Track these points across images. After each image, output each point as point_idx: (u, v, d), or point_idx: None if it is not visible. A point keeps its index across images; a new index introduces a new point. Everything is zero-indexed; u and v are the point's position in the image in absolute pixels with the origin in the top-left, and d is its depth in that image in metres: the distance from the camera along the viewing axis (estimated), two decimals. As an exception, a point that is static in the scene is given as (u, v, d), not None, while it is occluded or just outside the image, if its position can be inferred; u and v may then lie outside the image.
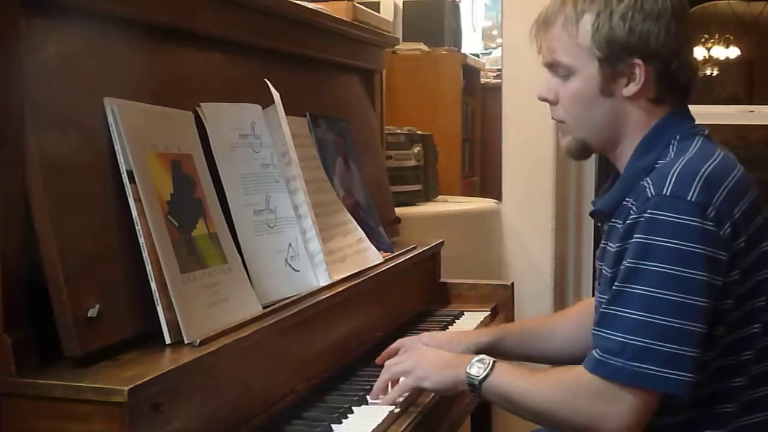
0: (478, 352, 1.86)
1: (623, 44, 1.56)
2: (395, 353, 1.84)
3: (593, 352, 1.48)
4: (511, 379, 1.56)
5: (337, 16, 2.36)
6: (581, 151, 1.69)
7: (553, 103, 1.66)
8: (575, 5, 1.59)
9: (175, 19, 1.64)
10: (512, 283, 2.57)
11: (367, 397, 1.66)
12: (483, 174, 4.82)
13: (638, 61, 1.56)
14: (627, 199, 1.55)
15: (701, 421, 1.53)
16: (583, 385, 1.48)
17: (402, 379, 1.65)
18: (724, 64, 11.23)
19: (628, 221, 1.50)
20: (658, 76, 1.58)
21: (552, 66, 1.65)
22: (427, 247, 2.45)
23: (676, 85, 1.60)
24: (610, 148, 1.66)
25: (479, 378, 1.56)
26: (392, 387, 1.66)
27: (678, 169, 1.48)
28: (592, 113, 1.62)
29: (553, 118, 1.69)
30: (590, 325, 1.82)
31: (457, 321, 2.33)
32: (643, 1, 1.56)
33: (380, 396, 1.65)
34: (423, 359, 1.67)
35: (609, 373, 1.44)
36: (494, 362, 1.58)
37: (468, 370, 1.58)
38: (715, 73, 11.27)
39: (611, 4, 1.56)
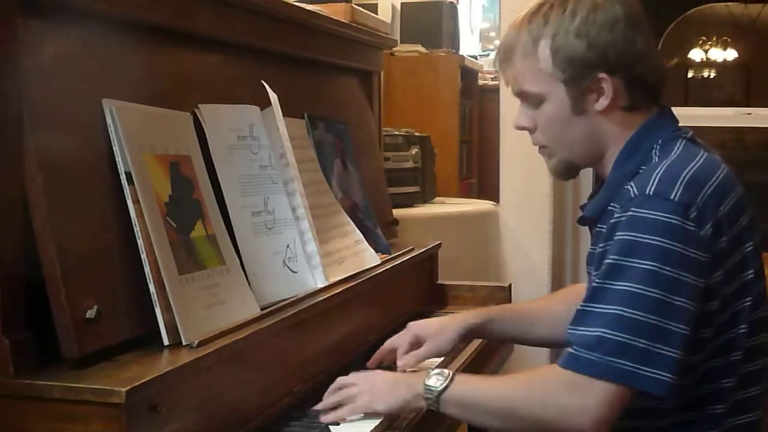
0: (468, 334, 1.88)
1: (584, 61, 1.55)
2: (388, 354, 1.85)
3: (568, 349, 1.46)
4: (473, 386, 1.54)
5: (335, 18, 2.36)
6: (568, 171, 1.69)
7: (532, 130, 1.66)
8: (530, 32, 1.58)
9: (174, 20, 1.64)
10: (509, 285, 2.57)
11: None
12: (480, 176, 4.83)
13: (603, 74, 1.55)
14: (613, 204, 1.55)
15: (693, 423, 1.53)
16: (554, 379, 1.45)
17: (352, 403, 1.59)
18: (722, 67, 11.25)
19: (611, 221, 1.50)
20: (626, 84, 1.57)
21: (522, 96, 1.65)
22: (424, 249, 2.46)
23: (646, 88, 1.60)
24: (595, 162, 1.66)
25: (438, 389, 1.52)
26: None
27: (661, 172, 1.48)
28: (569, 134, 1.62)
29: (534, 144, 1.69)
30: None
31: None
32: (595, 15, 1.55)
33: (323, 416, 1.58)
34: (374, 384, 1.60)
35: (582, 366, 1.42)
36: (453, 373, 1.55)
37: (426, 383, 1.53)
38: (713, 75, 11.29)
39: (565, 24, 1.56)
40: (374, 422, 1.55)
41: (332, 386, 1.63)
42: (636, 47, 1.56)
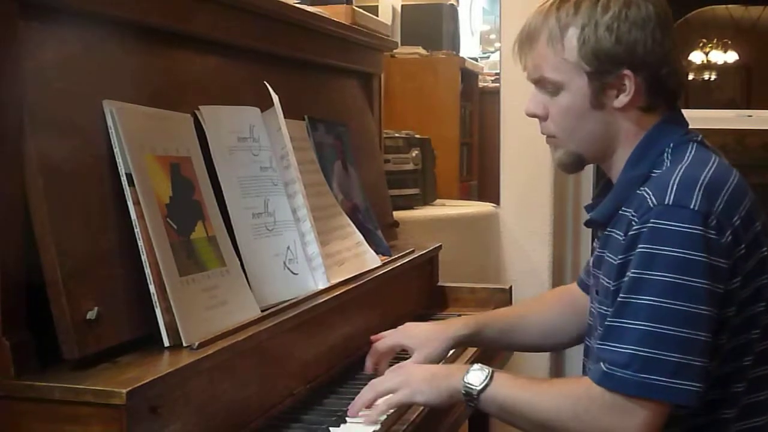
0: (457, 345, 1.87)
1: (611, 56, 1.54)
2: (376, 357, 1.83)
3: (600, 364, 1.45)
4: (512, 390, 1.52)
5: (336, 20, 2.36)
6: (574, 165, 1.68)
7: (543, 118, 1.64)
8: (558, 19, 1.57)
9: (174, 22, 1.64)
10: (510, 287, 2.57)
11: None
12: (481, 178, 4.82)
13: (627, 71, 1.54)
14: (625, 209, 1.53)
15: (704, 427, 1.53)
16: (595, 399, 1.45)
17: (391, 395, 1.59)
18: (722, 69, 11.24)
19: (630, 233, 1.48)
20: (648, 84, 1.56)
21: (539, 82, 1.63)
22: (425, 251, 2.45)
23: (666, 92, 1.59)
24: (603, 159, 1.65)
25: (478, 388, 1.51)
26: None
27: (678, 178, 1.47)
28: (583, 127, 1.60)
29: (543, 133, 1.67)
30: (568, 314, 1.84)
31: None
32: (628, 11, 1.54)
33: (361, 412, 1.58)
34: (412, 375, 1.61)
35: (616, 385, 1.42)
36: (493, 371, 1.54)
37: (465, 380, 1.53)
38: (713, 77, 11.29)
39: (596, 16, 1.54)
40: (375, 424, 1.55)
41: (366, 387, 1.62)
42: (664, 48, 1.55)
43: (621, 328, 1.44)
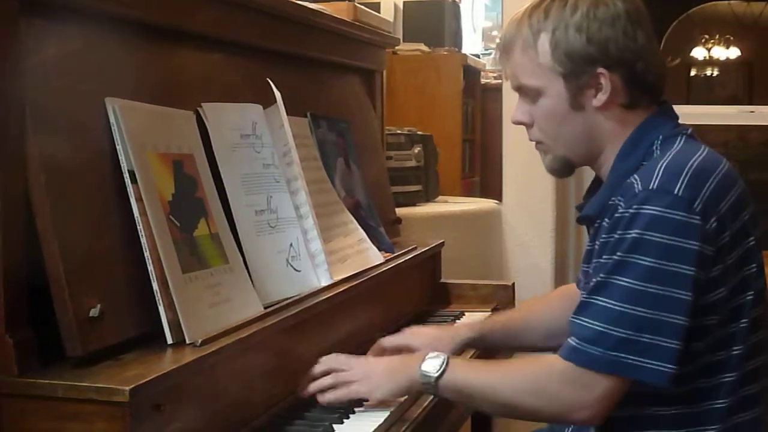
0: (463, 348, 1.88)
1: (584, 56, 1.55)
2: (379, 354, 1.83)
3: (569, 339, 1.47)
4: (470, 374, 1.55)
5: (338, 17, 2.36)
6: (564, 169, 1.69)
7: (529, 125, 1.66)
8: (530, 26, 1.58)
9: (176, 19, 1.64)
10: (513, 284, 2.57)
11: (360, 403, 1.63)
12: (483, 174, 4.83)
13: (602, 70, 1.55)
14: (614, 198, 1.54)
15: (695, 416, 1.53)
16: (554, 374, 1.47)
17: (350, 389, 1.61)
18: (724, 65, 11.25)
19: (615, 215, 1.49)
20: (626, 81, 1.57)
21: (520, 90, 1.65)
22: (427, 248, 2.45)
23: (645, 86, 1.59)
24: (591, 161, 1.66)
25: (435, 375, 1.54)
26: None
27: (665, 164, 1.49)
28: (567, 130, 1.62)
29: (531, 140, 1.68)
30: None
31: (457, 321, 2.32)
32: (596, 10, 1.55)
33: (311, 390, 1.62)
34: (371, 370, 1.63)
35: (585, 361, 1.44)
36: (448, 357, 1.56)
37: (422, 368, 1.55)
38: (716, 73, 11.29)
39: (565, 18, 1.56)
40: (377, 422, 1.55)
41: (320, 367, 1.64)
42: (637, 43, 1.56)
43: (595, 304, 1.46)
